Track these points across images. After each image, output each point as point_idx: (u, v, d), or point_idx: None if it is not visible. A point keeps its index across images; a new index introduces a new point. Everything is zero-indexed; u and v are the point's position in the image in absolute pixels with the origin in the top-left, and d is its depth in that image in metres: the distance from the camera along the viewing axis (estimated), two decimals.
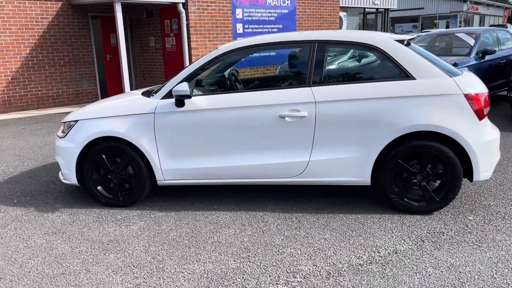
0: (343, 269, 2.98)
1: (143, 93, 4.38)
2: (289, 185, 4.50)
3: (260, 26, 12.18)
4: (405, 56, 3.78)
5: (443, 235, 3.41)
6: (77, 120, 4.22)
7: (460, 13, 43.28)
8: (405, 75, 3.76)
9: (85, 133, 4.13)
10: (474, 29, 9.08)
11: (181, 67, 11.15)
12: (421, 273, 2.90)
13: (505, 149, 5.69)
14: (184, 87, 3.82)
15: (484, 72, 8.34)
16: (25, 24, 10.61)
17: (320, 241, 3.38)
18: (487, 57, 8.41)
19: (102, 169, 4.21)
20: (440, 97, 3.67)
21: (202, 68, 4.08)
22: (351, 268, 2.99)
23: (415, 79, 3.74)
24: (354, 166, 3.83)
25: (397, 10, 37.68)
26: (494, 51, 8.40)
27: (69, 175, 4.26)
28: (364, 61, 4.18)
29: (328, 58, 4.66)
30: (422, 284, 2.77)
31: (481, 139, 3.69)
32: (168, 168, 4.07)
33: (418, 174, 3.79)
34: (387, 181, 3.82)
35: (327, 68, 4.02)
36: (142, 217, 3.98)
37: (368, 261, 3.07)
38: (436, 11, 43.39)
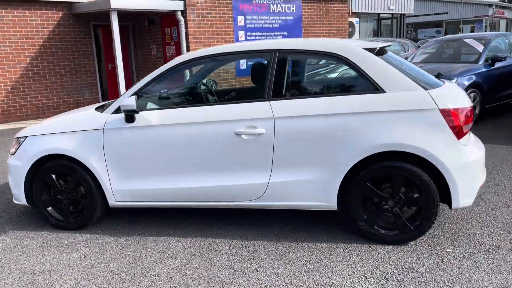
0: None
1: (97, 108, 4.09)
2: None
3: (263, 34, 11.85)
4: (374, 67, 3.37)
5: (412, 272, 2.97)
6: (27, 136, 3.96)
7: (486, 17, 41.93)
8: (374, 87, 3.35)
9: (33, 150, 3.86)
10: (484, 34, 8.50)
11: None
12: None
13: (508, 167, 5.16)
14: (131, 102, 3.50)
15: (494, 80, 7.77)
16: (25, 34, 10.58)
17: (270, 277, 2.99)
18: (497, 64, 7.84)
19: (52, 189, 3.94)
20: (412, 112, 3.25)
21: (156, 80, 3.76)
22: None
23: (385, 92, 3.32)
24: (318, 189, 3.43)
25: (416, 16, 36.75)
26: (505, 58, 7.82)
27: (18, 195, 4.00)
28: (335, 73, 3.78)
29: (312, 69, 4.22)
30: None
31: (460, 161, 3.23)
32: (119, 189, 3.76)
33: (389, 199, 3.36)
34: (355, 207, 3.40)
35: (290, 80, 3.63)
36: (89, 242, 3.66)
37: None
38: (460, 16, 42.11)
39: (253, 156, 3.48)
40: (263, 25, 11.84)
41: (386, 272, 2.99)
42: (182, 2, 10.31)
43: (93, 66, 11.70)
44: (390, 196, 3.34)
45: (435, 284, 2.82)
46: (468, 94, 6.98)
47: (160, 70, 3.75)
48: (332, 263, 3.13)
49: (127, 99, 3.52)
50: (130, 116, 3.63)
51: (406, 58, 9.32)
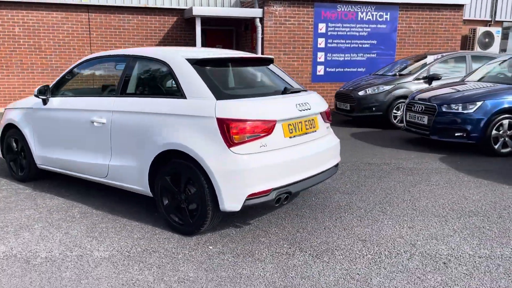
0: None
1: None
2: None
3: (347, 41, 11.82)
4: (185, 75, 3.84)
5: (164, 257, 3.42)
6: (5, 109, 5.55)
7: None
8: (180, 93, 3.81)
9: (2, 120, 5.43)
10: None
11: None
12: None
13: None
14: (42, 89, 4.70)
15: None
16: (145, 35, 12.95)
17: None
18: None
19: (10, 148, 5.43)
20: (196, 118, 3.64)
21: (70, 73, 4.87)
22: None
23: (186, 98, 3.75)
24: (137, 175, 4.06)
25: None
26: None
27: None
28: (165, 78, 4.33)
29: (150, 73, 4.60)
30: None
31: (227, 167, 3.47)
32: (39, 154, 5.02)
33: (182, 193, 3.77)
34: (157, 195, 3.93)
35: (132, 81, 4.29)
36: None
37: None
38: None
39: (100, 141, 4.31)
40: (348, 33, 11.78)
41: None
42: (261, 10, 11.15)
43: None
44: (183, 191, 3.75)
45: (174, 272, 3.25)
46: None
47: (71, 66, 4.85)
48: None
49: (40, 88, 4.73)
50: (44, 100, 4.83)
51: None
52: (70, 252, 3.46)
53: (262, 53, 11.32)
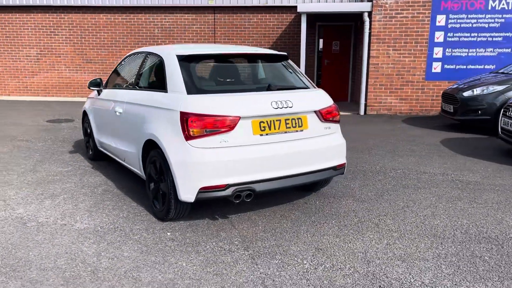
0: None
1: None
2: None
3: (472, 35, 10.36)
4: (171, 69, 4.09)
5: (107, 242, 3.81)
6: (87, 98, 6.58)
7: None
8: (165, 88, 4.07)
9: None
10: None
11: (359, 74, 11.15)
12: None
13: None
14: (95, 82, 5.49)
15: None
16: (263, 33, 13.51)
17: None
18: None
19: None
20: (167, 111, 3.90)
21: (117, 67, 5.56)
22: None
23: (167, 92, 4.01)
24: (137, 162, 4.53)
25: None
26: None
27: None
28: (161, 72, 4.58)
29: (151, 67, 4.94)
30: None
31: (182, 159, 3.63)
32: (97, 138, 5.86)
33: (159, 181, 4.05)
34: (147, 180, 4.28)
35: (141, 75, 4.70)
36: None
37: None
38: None
39: (120, 128, 4.86)
40: (474, 25, 10.30)
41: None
42: (370, 3, 10.57)
43: (313, 61, 13.48)
44: (158, 179, 4.04)
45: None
46: None
47: (119, 62, 5.55)
48: None
49: (92, 80, 5.53)
50: (98, 91, 5.64)
51: None
52: (61, 221, 4.06)
53: (369, 50, 10.74)
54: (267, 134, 3.81)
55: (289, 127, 3.92)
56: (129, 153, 4.66)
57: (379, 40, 10.67)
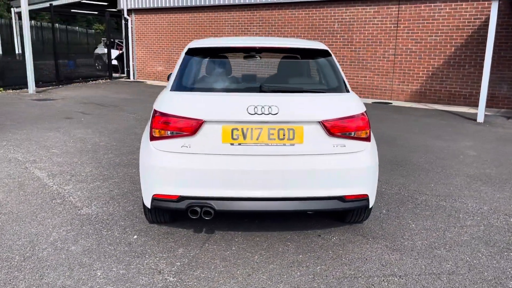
0: None
1: None
2: None
3: None
4: (177, 64, 3.80)
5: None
6: None
7: None
8: None
9: None
10: None
11: None
12: None
13: None
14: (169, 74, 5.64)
15: None
16: (456, 25, 11.45)
17: None
18: None
19: None
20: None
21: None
22: None
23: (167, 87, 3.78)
24: None
25: None
26: None
27: None
28: None
29: None
30: None
31: (143, 160, 3.38)
32: None
33: None
34: None
35: None
36: None
37: None
38: None
39: None
40: None
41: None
42: None
43: None
44: None
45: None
46: None
47: None
48: None
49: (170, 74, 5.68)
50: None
51: None
52: (73, 198, 4.31)
53: None
54: (240, 144, 3.14)
55: (273, 139, 3.14)
56: None
57: None
